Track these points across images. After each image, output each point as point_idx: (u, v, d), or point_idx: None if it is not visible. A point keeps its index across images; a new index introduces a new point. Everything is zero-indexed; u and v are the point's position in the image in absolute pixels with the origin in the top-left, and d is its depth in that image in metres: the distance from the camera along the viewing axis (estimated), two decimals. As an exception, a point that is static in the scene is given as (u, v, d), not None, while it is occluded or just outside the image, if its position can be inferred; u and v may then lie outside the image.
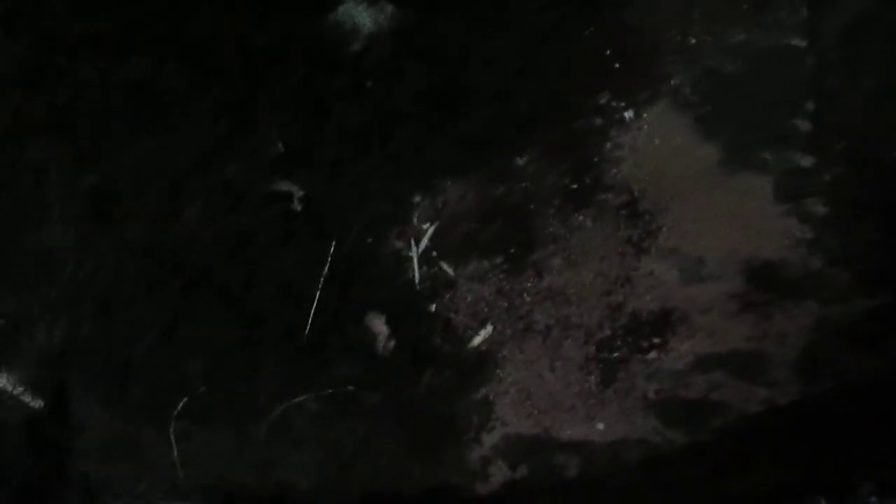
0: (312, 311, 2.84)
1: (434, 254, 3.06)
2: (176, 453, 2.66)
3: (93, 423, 2.75)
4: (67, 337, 2.73)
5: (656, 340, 3.08)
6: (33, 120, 2.85)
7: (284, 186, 3.00)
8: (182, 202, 2.87)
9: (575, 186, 3.19)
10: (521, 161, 3.17)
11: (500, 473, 2.92)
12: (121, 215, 2.82)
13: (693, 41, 3.14)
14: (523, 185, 3.18)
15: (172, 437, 2.66)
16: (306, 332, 2.82)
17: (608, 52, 3.13)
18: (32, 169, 2.83)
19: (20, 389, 2.69)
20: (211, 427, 2.71)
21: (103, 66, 2.84)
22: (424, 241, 3.05)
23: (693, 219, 3.16)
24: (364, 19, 2.97)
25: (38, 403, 2.71)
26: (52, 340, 2.73)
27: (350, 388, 2.75)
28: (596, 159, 3.22)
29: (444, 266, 3.07)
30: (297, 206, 2.98)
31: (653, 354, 3.05)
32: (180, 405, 2.66)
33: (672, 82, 3.12)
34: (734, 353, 3.03)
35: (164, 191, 2.87)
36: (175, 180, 2.89)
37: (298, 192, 3.00)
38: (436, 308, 3.04)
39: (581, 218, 3.15)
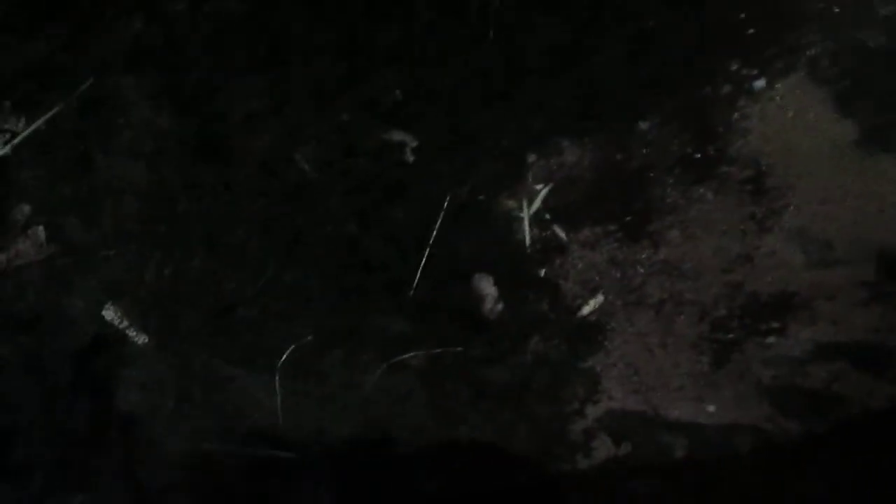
0: (421, 267, 2.72)
1: (547, 216, 2.91)
2: (279, 400, 2.58)
3: (196, 362, 2.67)
4: (176, 274, 2.65)
5: (775, 324, 2.91)
6: (149, 53, 2.75)
7: (398, 136, 2.87)
8: (295, 145, 2.75)
9: (698, 156, 3.03)
10: (643, 126, 3.02)
11: (603, 448, 2.80)
12: (234, 155, 2.73)
13: (836, 10, 2.90)
14: (644, 151, 3.01)
15: (277, 383, 2.57)
16: (414, 287, 2.70)
17: (742, 15, 2.94)
18: (147, 104, 2.74)
19: (126, 324, 2.63)
20: (316, 377, 2.62)
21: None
22: (537, 203, 2.92)
23: (822, 199, 2.98)
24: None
25: (142, 339, 2.64)
26: (161, 277, 2.65)
27: (458, 349, 2.62)
28: (721, 129, 3.05)
29: (557, 230, 2.93)
30: (410, 157, 2.85)
31: (771, 339, 2.89)
32: (286, 353, 2.57)
33: (810, 53, 2.97)
34: (859, 344, 2.86)
35: (278, 133, 2.75)
36: (289, 123, 2.76)
37: (412, 143, 2.86)
38: (545, 273, 2.92)
39: (702, 190, 2.99)
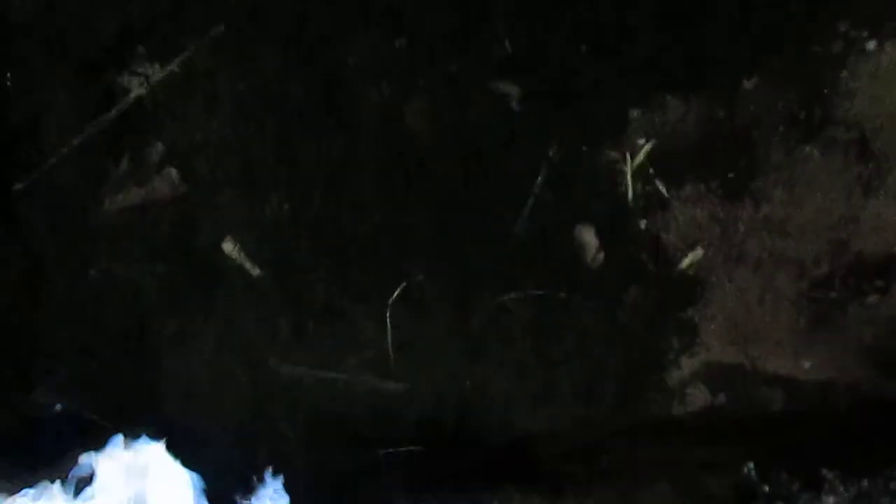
0: (526, 213, 2.81)
1: (651, 171, 2.96)
2: (389, 336, 2.72)
3: (309, 296, 2.82)
4: (294, 213, 2.81)
5: (879, 284, 2.91)
6: (275, 3, 2.89)
7: (506, 87, 2.95)
8: (408, 94, 2.87)
9: (803, 116, 3.01)
10: (748, 84, 3.02)
11: (699, 397, 2.85)
12: (352, 103, 2.85)
13: None
14: (749, 109, 3.02)
15: (388, 319, 2.71)
16: (519, 233, 2.81)
17: None
18: (272, 52, 2.88)
19: (243, 256, 2.79)
20: (425, 315, 2.74)
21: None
22: (640, 157, 2.97)
23: None
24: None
25: (256, 272, 2.80)
26: (280, 215, 2.81)
27: (563, 294, 2.71)
28: (828, 90, 3.03)
29: (659, 184, 2.98)
30: (517, 108, 2.94)
31: (872, 299, 2.90)
32: (398, 290, 2.70)
33: None
34: None
35: (393, 82, 2.86)
36: (402, 73, 2.87)
37: (518, 94, 2.94)
38: (646, 226, 2.97)
39: (808, 150, 3.00)
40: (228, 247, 2.84)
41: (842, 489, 2.07)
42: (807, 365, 2.84)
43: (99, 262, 2.82)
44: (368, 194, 2.82)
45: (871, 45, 2.93)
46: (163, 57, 2.88)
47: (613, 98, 3.01)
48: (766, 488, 2.14)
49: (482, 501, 2.31)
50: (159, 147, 2.86)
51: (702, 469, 2.34)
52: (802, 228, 2.94)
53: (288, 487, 2.62)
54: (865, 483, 2.07)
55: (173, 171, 2.83)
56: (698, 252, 2.94)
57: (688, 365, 2.88)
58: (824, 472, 2.10)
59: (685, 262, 2.94)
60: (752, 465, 2.21)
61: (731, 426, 2.75)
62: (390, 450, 2.66)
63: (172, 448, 2.79)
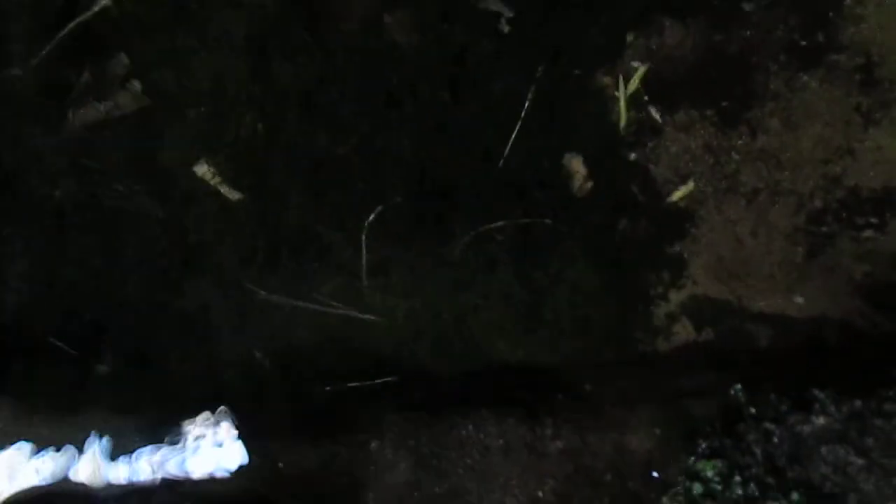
0: (513, 137, 2.66)
1: (646, 98, 2.80)
2: (364, 261, 2.57)
3: (285, 219, 2.67)
4: (270, 131, 2.64)
5: (874, 220, 2.81)
6: None
7: (494, 6, 2.77)
8: (389, 7, 2.68)
9: (804, 43, 2.87)
10: (747, 7, 2.86)
11: (683, 333, 2.76)
12: (330, 17, 2.67)
13: None
14: (747, 34, 2.86)
15: (363, 244, 2.56)
16: (504, 156, 2.65)
17: None
18: None
19: (219, 179, 2.63)
20: (403, 241, 2.60)
21: None
22: (635, 82, 2.80)
23: None
24: None
25: (234, 195, 2.65)
26: (254, 133, 2.64)
27: (547, 220, 2.57)
28: (832, 14, 2.87)
29: (653, 111, 2.83)
30: (505, 28, 2.76)
31: (868, 233, 2.79)
32: (374, 213, 2.55)
33: None
34: None
35: None
36: None
37: (508, 13, 2.77)
38: (636, 157, 2.83)
39: (806, 78, 2.86)
40: (202, 169, 2.66)
41: (833, 409, 1.96)
42: (799, 300, 2.73)
43: (64, 182, 2.62)
44: (346, 112, 2.64)
45: (880, -32, 2.71)
46: None
47: (609, 19, 2.82)
48: (753, 410, 2.02)
49: (457, 425, 2.19)
50: (123, 59, 2.66)
51: (687, 395, 2.22)
52: (798, 160, 2.82)
53: (261, 416, 2.48)
54: (858, 403, 1.95)
55: (136, 83, 2.63)
56: (690, 185, 2.82)
57: (675, 299, 2.75)
58: (815, 391, 1.98)
59: (676, 195, 2.80)
60: (739, 386, 2.09)
61: (720, 358, 2.62)
62: (363, 382, 2.51)
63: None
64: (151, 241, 2.71)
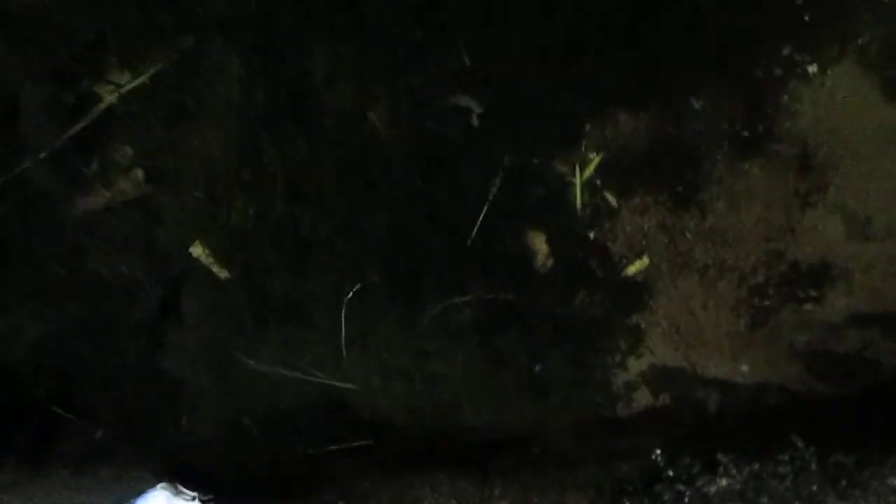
0: (480, 218, 2.98)
1: (598, 182, 3.14)
2: (343, 333, 2.87)
3: (272, 293, 2.98)
4: (259, 214, 2.97)
5: (813, 293, 3.10)
6: (243, 16, 3.06)
7: (465, 101, 3.13)
8: (369, 104, 3.04)
9: (746, 134, 3.20)
10: (696, 103, 3.20)
11: (642, 399, 3.01)
12: (315, 111, 3.02)
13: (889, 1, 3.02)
14: (696, 126, 3.20)
15: (343, 318, 2.86)
16: (472, 238, 2.97)
17: (799, 1, 3.07)
18: (238, 62, 3.05)
19: (212, 259, 2.95)
20: (378, 314, 2.90)
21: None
22: (590, 169, 3.14)
23: (865, 179, 3.21)
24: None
25: (224, 274, 2.96)
26: (245, 216, 2.97)
27: (510, 297, 2.88)
28: (770, 110, 3.22)
29: (608, 196, 3.16)
30: (475, 121, 3.11)
31: (808, 306, 3.08)
32: (352, 291, 2.86)
33: (860, 41, 3.16)
34: (893, 314, 3.00)
35: (354, 91, 3.04)
36: (364, 82, 3.04)
37: (478, 109, 3.12)
38: (595, 235, 3.14)
39: (748, 165, 3.17)
40: (197, 250, 2.98)
41: (735, 471, 2.24)
42: (744, 368, 3.01)
43: (71, 261, 2.94)
44: (329, 197, 2.97)
45: (813, 68, 3.12)
46: (134, 66, 3.01)
47: (566, 112, 3.16)
48: (671, 472, 2.30)
49: (413, 487, 2.45)
50: (127, 151, 3.00)
51: (617, 458, 2.50)
52: (743, 238, 3.11)
53: (242, 477, 2.74)
54: (756, 466, 2.24)
55: (139, 172, 2.97)
56: (644, 260, 3.11)
57: (634, 368, 3.02)
58: (719, 456, 2.27)
59: (631, 269, 3.10)
60: (658, 451, 2.38)
61: (669, 427, 2.89)
62: (340, 445, 2.78)
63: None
64: (148, 314, 2.97)
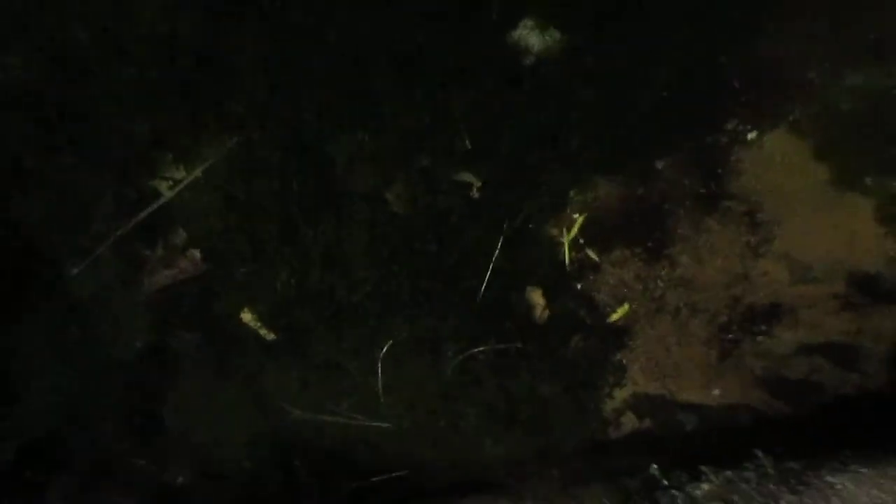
0: (486, 278, 3.66)
1: (581, 241, 3.84)
2: (380, 383, 3.53)
3: (313, 353, 3.63)
4: (300, 284, 3.62)
5: (765, 328, 3.79)
6: (277, 115, 3.72)
7: (467, 177, 3.82)
8: (388, 184, 3.72)
9: (703, 191, 3.89)
10: (659, 165, 3.90)
11: (629, 423, 3.69)
12: (341, 191, 3.69)
13: (814, 79, 3.78)
14: (661, 186, 3.90)
15: (379, 370, 3.52)
16: (480, 295, 3.65)
17: (737, 84, 3.81)
18: (278, 155, 3.70)
19: (259, 324, 3.59)
20: (408, 365, 3.56)
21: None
22: (574, 230, 3.82)
23: (803, 231, 3.80)
24: (534, 41, 3.76)
25: (270, 336, 3.60)
26: (288, 285, 3.62)
27: (519, 345, 3.56)
28: (720, 171, 3.90)
29: (590, 252, 3.86)
30: (476, 194, 3.80)
31: (762, 339, 3.77)
32: (385, 346, 3.52)
33: (793, 113, 3.81)
34: (833, 344, 3.72)
35: (375, 174, 3.71)
36: (381, 165, 3.72)
37: (477, 183, 3.81)
38: (581, 287, 3.83)
39: (708, 221, 3.87)
40: (247, 316, 3.61)
41: (714, 478, 2.95)
42: (716, 392, 3.69)
43: (141, 336, 3.56)
44: (359, 267, 3.63)
45: (753, 135, 3.78)
46: (187, 162, 3.65)
47: (554, 182, 3.85)
48: (666, 482, 3.00)
49: None
50: (182, 233, 3.63)
51: (623, 474, 3.19)
52: (707, 285, 3.80)
53: None
54: (729, 473, 2.96)
55: (196, 252, 3.60)
56: (625, 307, 3.79)
57: (619, 397, 3.71)
58: (701, 467, 2.98)
59: (614, 316, 3.79)
60: (655, 466, 3.07)
61: (654, 445, 3.58)
62: (380, 477, 3.42)
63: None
64: (206, 378, 3.60)
